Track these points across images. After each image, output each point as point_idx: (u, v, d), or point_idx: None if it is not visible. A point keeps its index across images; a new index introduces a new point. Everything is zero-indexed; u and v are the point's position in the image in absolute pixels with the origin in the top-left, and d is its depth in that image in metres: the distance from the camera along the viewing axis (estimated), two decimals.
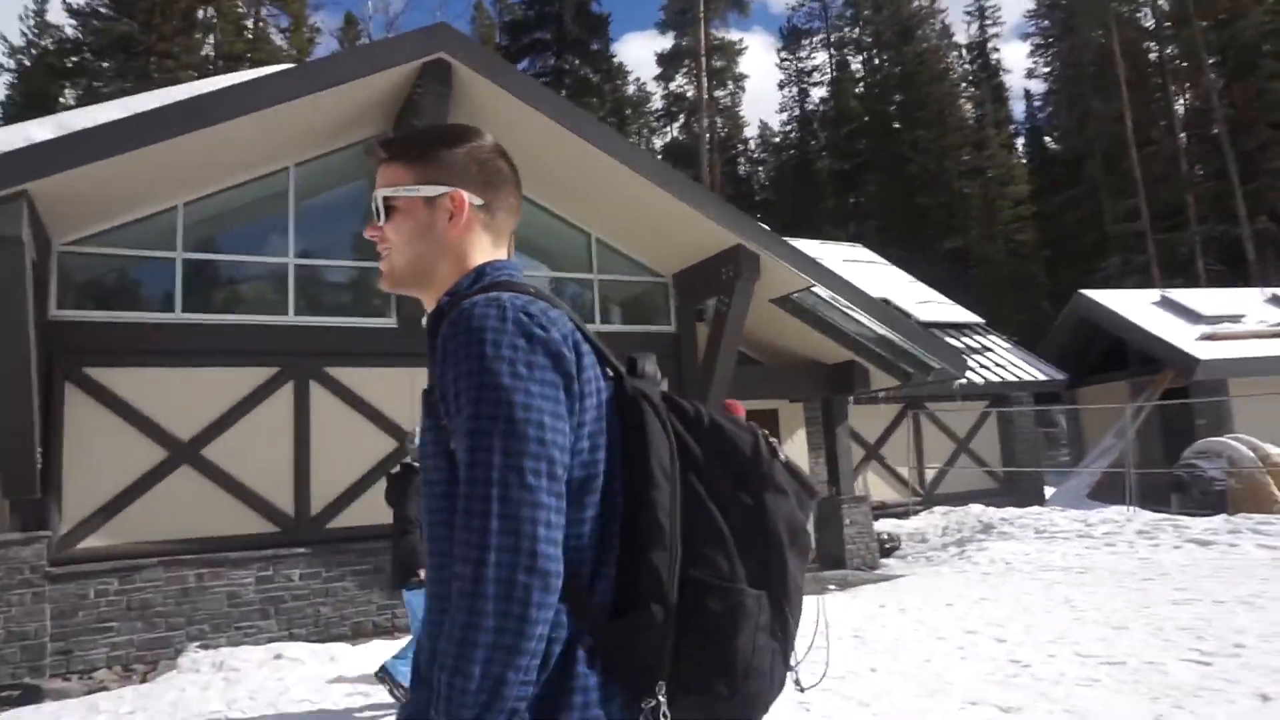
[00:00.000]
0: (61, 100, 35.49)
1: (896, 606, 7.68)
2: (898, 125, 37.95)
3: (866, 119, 40.42)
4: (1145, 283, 25.08)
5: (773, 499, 1.20)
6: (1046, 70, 37.38)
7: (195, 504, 7.95)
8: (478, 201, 1.32)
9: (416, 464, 5.78)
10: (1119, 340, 16.40)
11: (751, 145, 47.20)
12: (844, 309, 10.50)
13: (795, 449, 12.23)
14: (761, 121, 51.40)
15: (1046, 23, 37.16)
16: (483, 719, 1.00)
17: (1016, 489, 14.53)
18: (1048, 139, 38.37)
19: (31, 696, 6.40)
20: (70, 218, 7.55)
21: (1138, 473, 12.53)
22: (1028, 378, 15.01)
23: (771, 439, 1.26)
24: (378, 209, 1.31)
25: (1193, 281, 25.02)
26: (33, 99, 36.12)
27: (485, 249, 1.32)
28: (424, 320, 1.30)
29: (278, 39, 32.51)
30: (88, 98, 32.76)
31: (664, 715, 1.08)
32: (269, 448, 8.30)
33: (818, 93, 45.25)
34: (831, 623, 7.28)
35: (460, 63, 8.14)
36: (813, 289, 10.08)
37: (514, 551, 1.02)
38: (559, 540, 1.06)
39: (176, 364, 8.09)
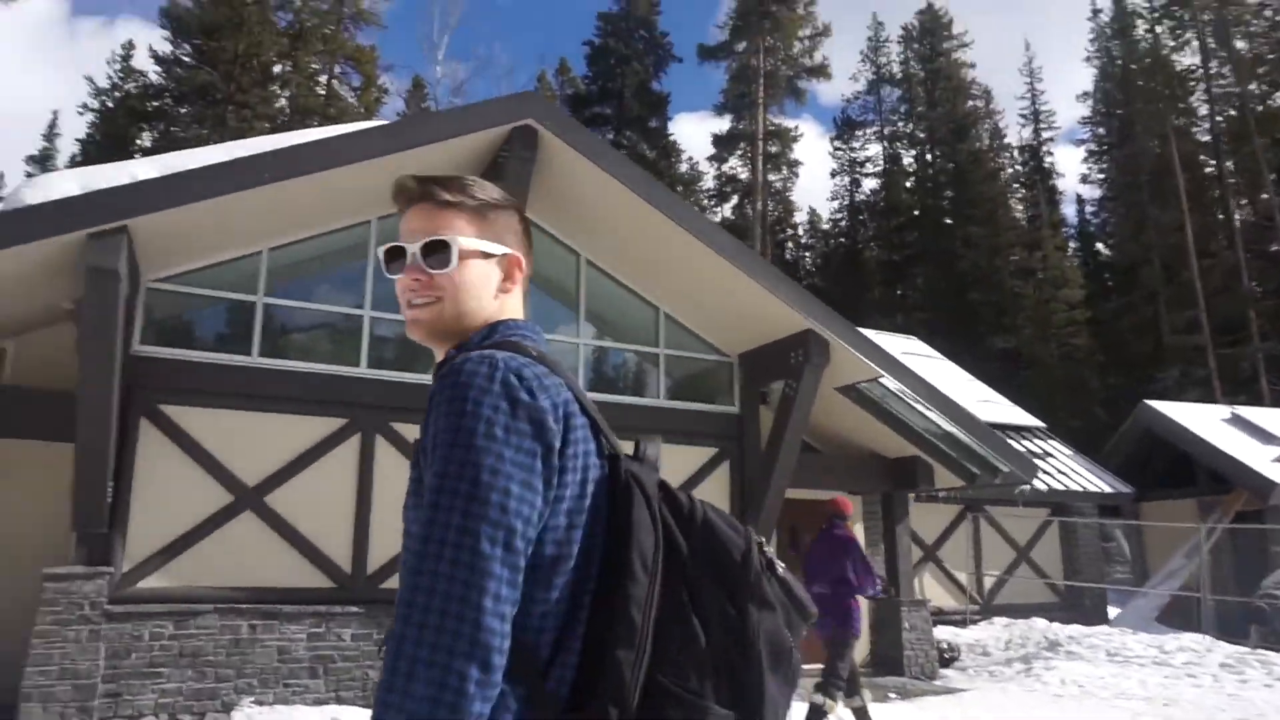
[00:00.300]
0: (138, 142, 36.97)
1: None
2: (949, 220, 38.11)
3: (917, 213, 40.66)
4: (1206, 396, 24.49)
5: (757, 613, 1.12)
6: (1100, 176, 37.56)
7: (254, 552, 7.82)
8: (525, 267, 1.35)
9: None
10: (1185, 455, 15.88)
11: (800, 230, 47.60)
12: (910, 402, 10.30)
13: None
14: (811, 208, 51.73)
15: (1102, 130, 37.46)
16: None
17: (1079, 605, 13.93)
18: (1100, 245, 38.28)
19: None
20: (160, 255, 7.67)
21: (1214, 599, 11.96)
22: (1092, 488, 14.56)
23: (767, 548, 1.20)
24: (438, 254, 1.27)
25: (1255, 399, 24.40)
26: (112, 139, 37.64)
27: (518, 312, 1.34)
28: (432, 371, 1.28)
29: (348, 95, 33.60)
30: (164, 141, 34.05)
31: None
32: (331, 500, 8.19)
33: (869, 183, 45.73)
34: None
35: (547, 130, 8.27)
36: (880, 380, 9.91)
37: (457, 620, 0.97)
38: (507, 615, 1.00)
39: (248, 408, 8.07)
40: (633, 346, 10.28)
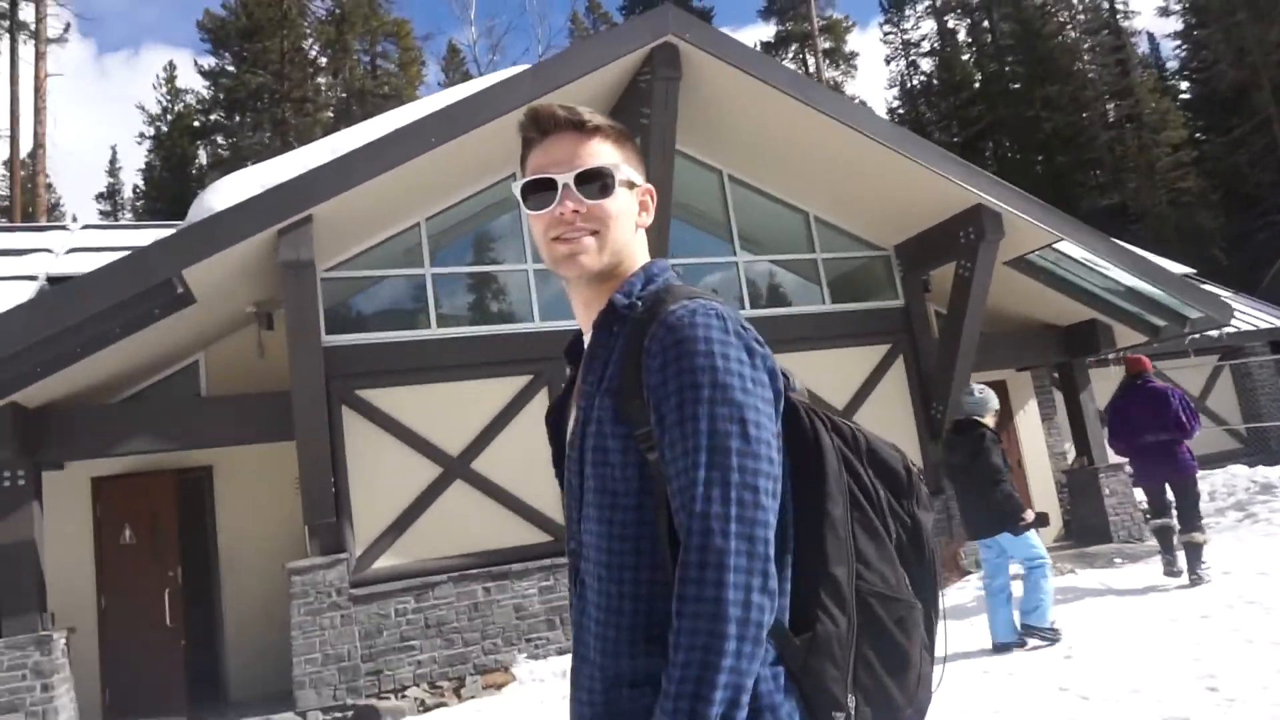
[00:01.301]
0: (198, 161, 37.58)
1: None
2: (1016, 86, 36.18)
3: (978, 85, 38.69)
4: None
5: (924, 515, 1.24)
6: (1179, 6, 35.01)
7: (473, 518, 7.90)
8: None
9: (977, 419, 6.06)
10: None
11: None
12: (1088, 263, 9.77)
13: (1028, 420, 11.49)
14: (861, 101, 49.86)
15: None
16: None
17: (1265, 448, 13.30)
18: (1185, 81, 35.88)
19: (369, 716, 6.39)
20: (331, 243, 7.63)
21: None
22: (1263, 324, 13.77)
23: (912, 463, 1.29)
24: (595, 182, 1.22)
25: None
26: (173, 161, 38.40)
27: (646, 250, 1.31)
28: (587, 319, 1.25)
29: (393, 70, 33.35)
30: (229, 153, 34.52)
31: None
32: (533, 456, 8.17)
33: (926, 64, 43.66)
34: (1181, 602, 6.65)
35: (688, 44, 7.89)
36: (1051, 246, 9.41)
37: (749, 573, 1.00)
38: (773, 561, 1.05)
39: (437, 379, 8.08)
40: (788, 256, 9.94)
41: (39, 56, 21.13)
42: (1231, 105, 28.80)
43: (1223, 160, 28.19)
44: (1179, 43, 35.61)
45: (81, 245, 11.48)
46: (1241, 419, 13.65)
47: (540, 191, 1.23)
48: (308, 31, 29.23)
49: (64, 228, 12.90)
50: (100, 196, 44.92)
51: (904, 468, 1.25)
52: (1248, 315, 14.15)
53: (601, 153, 1.25)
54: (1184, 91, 34.90)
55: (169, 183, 38.55)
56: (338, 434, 7.64)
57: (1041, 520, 5.88)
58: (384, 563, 7.58)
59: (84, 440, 7.20)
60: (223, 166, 35.77)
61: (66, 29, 23.90)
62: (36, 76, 20.89)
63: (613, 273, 1.24)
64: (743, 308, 9.32)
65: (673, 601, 1.02)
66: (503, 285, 8.79)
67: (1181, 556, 7.27)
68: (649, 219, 1.31)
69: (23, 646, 6.41)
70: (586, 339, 1.27)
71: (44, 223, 14.84)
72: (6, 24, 21.18)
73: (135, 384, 8.19)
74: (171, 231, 7.35)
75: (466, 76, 41.64)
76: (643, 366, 1.10)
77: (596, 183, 1.22)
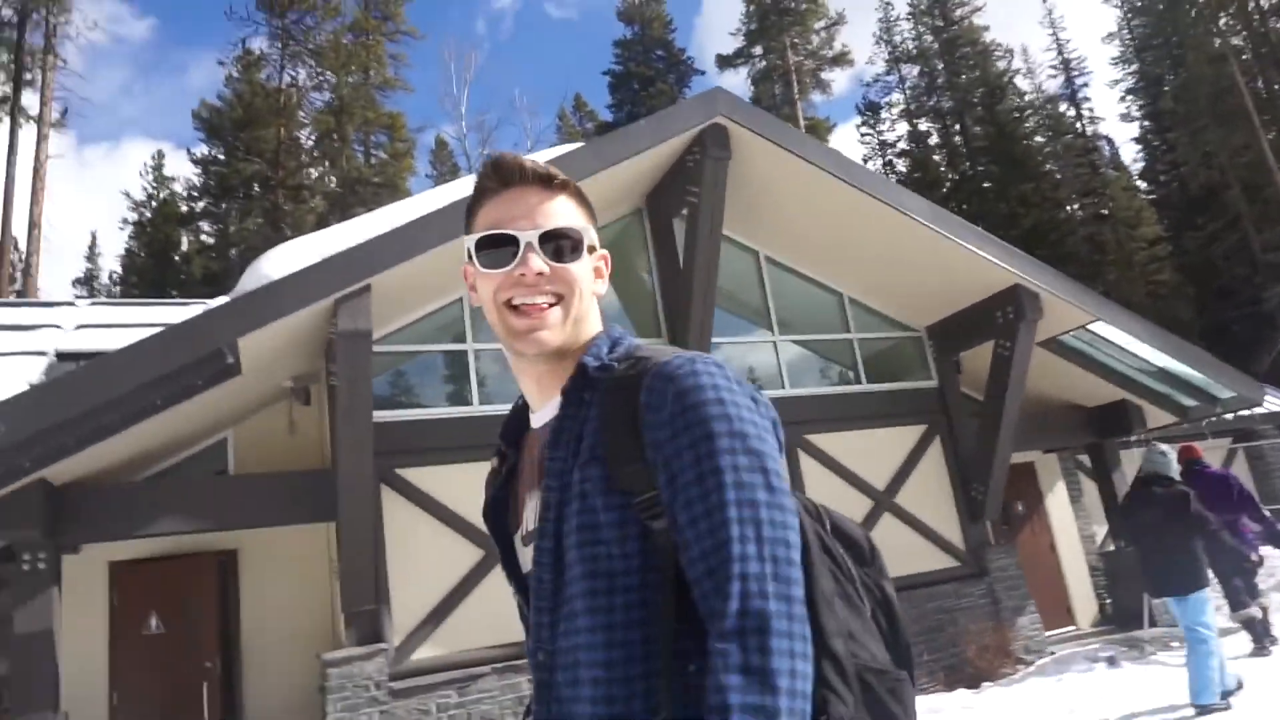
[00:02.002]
0: (180, 247, 37.49)
1: None
2: (987, 185, 37.49)
3: (950, 183, 40.05)
4: None
5: (891, 587, 1.20)
6: (1139, 114, 36.80)
7: (513, 607, 7.46)
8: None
9: (1170, 477, 6.11)
10: None
11: None
12: (1118, 343, 9.84)
13: (1057, 502, 11.35)
14: None
15: (1135, 66, 36.73)
16: None
17: None
18: (1145, 182, 37.41)
19: None
20: (380, 315, 7.42)
21: None
22: (1274, 408, 13.91)
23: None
24: (559, 243, 1.12)
25: None
26: (155, 246, 38.28)
27: (599, 319, 1.20)
28: (541, 393, 1.18)
29: (386, 159, 33.73)
30: (214, 239, 34.49)
31: None
32: None
33: (902, 163, 45.20)
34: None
35: (736, 125, 7.99)
36: (1085, 326, 9.47)
37: (790, 637, 0.92)
38: None
39: (479, 459, 7.75)
40: (823, 336, 9.89)
41: (41, 138, 21.11)
42: (1201, 204, 29.99)
43: (1196, 254, 29.17)
44: (1140, 148, 37.33)
45: (90, 322, 11.17)
46: (1259, 500, 13.62)
47: (496, 248, 1.11)
48: (304, 121, 29.61)
49: (70, 304, 12.59)
50: (78, 281, 44.48)
51: (865, 539, 1.21)
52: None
53: (567, 212, 1.15)
54: (1150, 192, 36.37)
55: (150, 269, 38.44)
56: (377, 514, 7.28)
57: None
58: (424, 653, 7.11)
59: (109, 520, 6.75)
60: (206, 253, 35.76)
61: (64, 114, 24.01)
62: (36, 158, 20.83)
63: (575, 344, 1.14)
64: (781, 387, 9.21)
65: (709, 678, 0.90)
66: None
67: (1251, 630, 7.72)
68: (604, 287, 1.21)
69: None
70: (538, 416, 1.18)
71: (44, 300, 14.52)
72: (6, 107, 21.22)
73: (159, 462, 7.80)
74: (220, 302, 7.10)
75: (455, 169, 42.46)
76: (641, 425, 1.00)
77: (565, 243, 1.12)
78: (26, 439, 5.71)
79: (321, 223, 26.76)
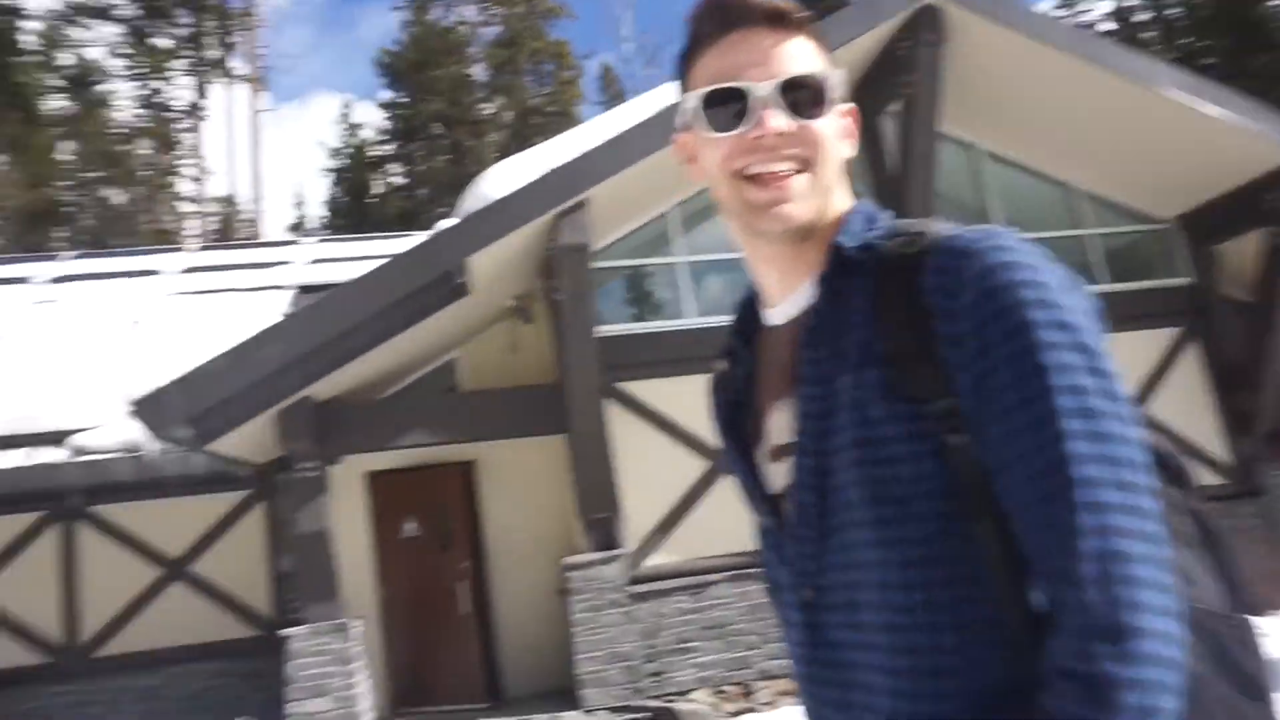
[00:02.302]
0: (374, 191, 39.89)
1: None
2: (1212, 61, 33.20)
3: (1167, 61, 35.74)
4: None
5: (1212, 517, 0.93)
6: None
7: (743, 514, 7.49)
8: None
9: None
10: None
11: None
12: None
13: None
14: None
15: None
16: None
17: None
18: None
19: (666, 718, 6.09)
20: (596, 230, 7.46)
21: None
22: None
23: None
24: (801, 92, 0.88)
25: None
26: (353, 191, 40.95)
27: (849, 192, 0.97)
28: (783, 282, 0.95)
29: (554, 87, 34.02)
30: (408, 180, 36.38)
31: None
32: None
33: None
34: None
35: (951, 4, 7.32)
36: None
37: (1158, 588, 0.72)
38: None
39: (696, 371, 7.73)
40: (1055, 233, 9.09)
41: (256, 93, 22.73)
42: None
43: None
44: None
45: (321, 257, 12.02)
46: None
47: (722, 105, 0.89)
48: (476, 56, 30.36)
49: (295, 242, 13.60)
50: (291, 228, 48.58)
51: (1174, 456, 0.94)
52: None
53: (808, 56, 0.91)
54: None
55: (352, 211, 41.32)
56: (605, 427, 7.44)
57: None
58: (656, 560, 7.30)
59: (361, 434, 7.29)
60: (399, 193, 37.85)
61: (266, 73, 25.65)
62: (253, 112, 22.46)
63: (820, 222, 0.92)
64: None
65: (1058, 639, 0.72)
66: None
67: None
68: (853, 150, 0.96)
69: (325, 633, 6.50)
70: (780, 310, 0.96)
71: (277, 239, 15.78)
72: (212, 70, 22.84)
73: (397, 381, 8.30)
74: (450, 224, 7.36)
75: (621, 94, 42.33)
76: (932, 315, 0.81)
77: (808, 95, 0.89)
78: (298, 357, 6.18)
79: (503, 155, 27.58)
